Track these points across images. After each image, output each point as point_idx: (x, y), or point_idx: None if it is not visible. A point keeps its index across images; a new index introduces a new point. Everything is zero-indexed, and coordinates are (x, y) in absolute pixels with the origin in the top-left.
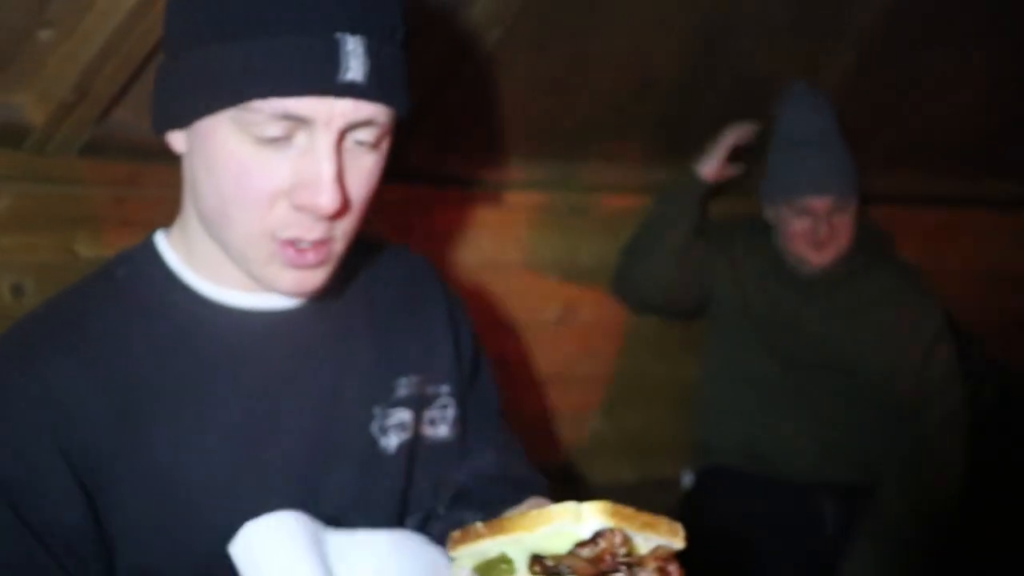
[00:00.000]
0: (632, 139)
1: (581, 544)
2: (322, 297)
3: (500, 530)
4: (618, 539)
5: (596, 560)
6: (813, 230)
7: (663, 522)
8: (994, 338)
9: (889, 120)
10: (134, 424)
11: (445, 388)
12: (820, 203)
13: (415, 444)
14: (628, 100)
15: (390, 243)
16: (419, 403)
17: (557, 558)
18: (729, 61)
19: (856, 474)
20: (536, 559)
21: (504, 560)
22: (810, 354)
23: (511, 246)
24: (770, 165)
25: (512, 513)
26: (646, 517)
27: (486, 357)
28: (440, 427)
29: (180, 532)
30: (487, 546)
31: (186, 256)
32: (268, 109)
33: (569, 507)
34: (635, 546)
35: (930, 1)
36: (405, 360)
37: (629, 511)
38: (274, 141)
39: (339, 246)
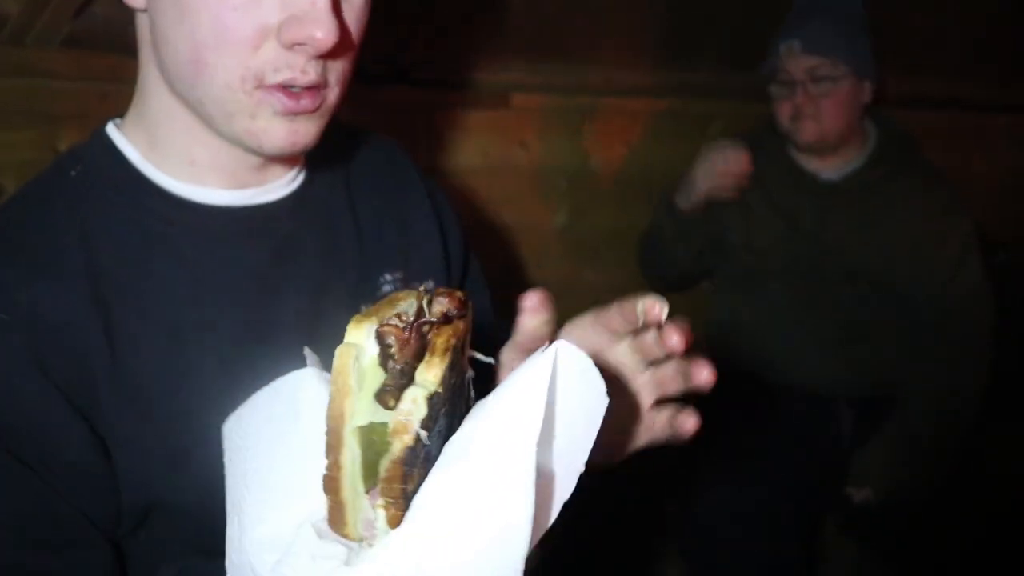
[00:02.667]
0: (644, 41)
1: (380, 355)
2: (302, 188)
3: (336, 418)
4: (390, 318)
5: (402, 341)
6: (791, 98)
7: (400, 293)
8: (1018, 243)
9: (914, 21)
10: (117, 344)
11: (430, 286)
12: (795, 64)
13: None
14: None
15: (363, 130)
16: None
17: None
18: None
19: (876, 386)
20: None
21: (376, 425)
22: (832, 264)
23: (517, 150)
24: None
25: None
26: (382, 303)
27: (477, 261)
28: None
29: (178, 457)
30: (352, 424)
31: (147, 148)
32: None
33: (339, 350)
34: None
35: None
36: (389, 255)
37: (370, 309)
38: None
39: (333, 94)
